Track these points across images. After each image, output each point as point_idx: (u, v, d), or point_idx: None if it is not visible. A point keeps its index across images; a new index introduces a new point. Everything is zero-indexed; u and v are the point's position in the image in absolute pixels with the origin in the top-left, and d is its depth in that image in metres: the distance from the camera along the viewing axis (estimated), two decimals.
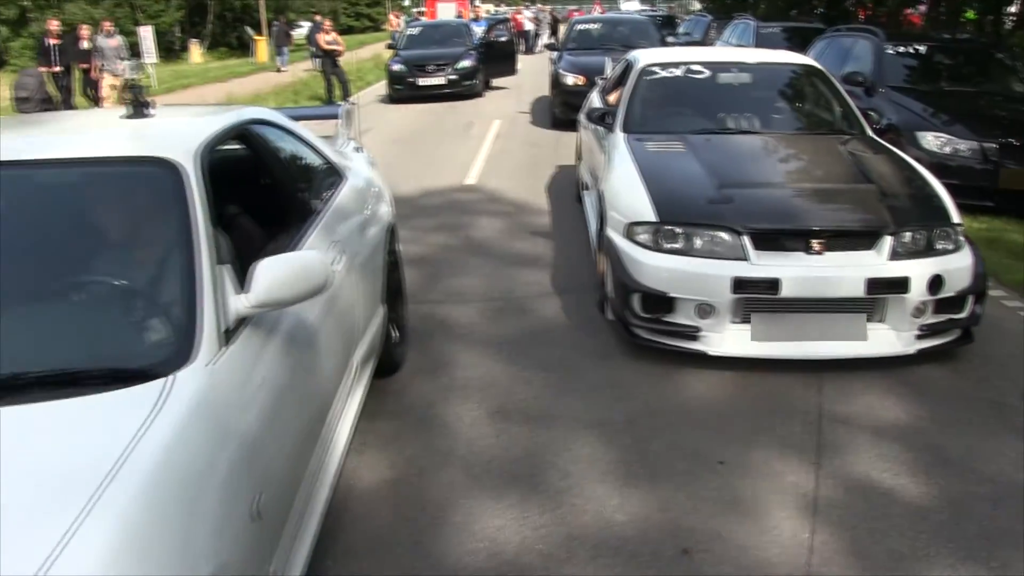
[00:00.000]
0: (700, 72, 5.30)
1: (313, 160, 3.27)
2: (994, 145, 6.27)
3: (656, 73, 5.35)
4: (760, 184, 4.12)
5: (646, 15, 17.98)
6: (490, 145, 9.97)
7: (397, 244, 4.07)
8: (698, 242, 3.75)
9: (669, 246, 3.78)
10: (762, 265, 3.63)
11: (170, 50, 31.00)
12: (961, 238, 3.87)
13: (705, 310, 3.70)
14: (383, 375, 3.60)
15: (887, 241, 3.68)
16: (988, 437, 3.20)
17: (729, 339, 3.72)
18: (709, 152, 4.48)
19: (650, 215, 3.86)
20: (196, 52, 31.48)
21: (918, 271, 3.65)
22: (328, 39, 15.13)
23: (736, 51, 7.39)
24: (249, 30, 29.21)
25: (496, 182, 7.84)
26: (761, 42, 11.66)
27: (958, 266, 3.76)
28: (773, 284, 3.58)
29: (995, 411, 3.41)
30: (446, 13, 42.83)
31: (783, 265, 3.63)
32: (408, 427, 3.33)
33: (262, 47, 26.97)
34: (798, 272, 3.61)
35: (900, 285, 3.62)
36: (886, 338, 3.74)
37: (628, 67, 5.77)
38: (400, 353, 3.83)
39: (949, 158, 6.37)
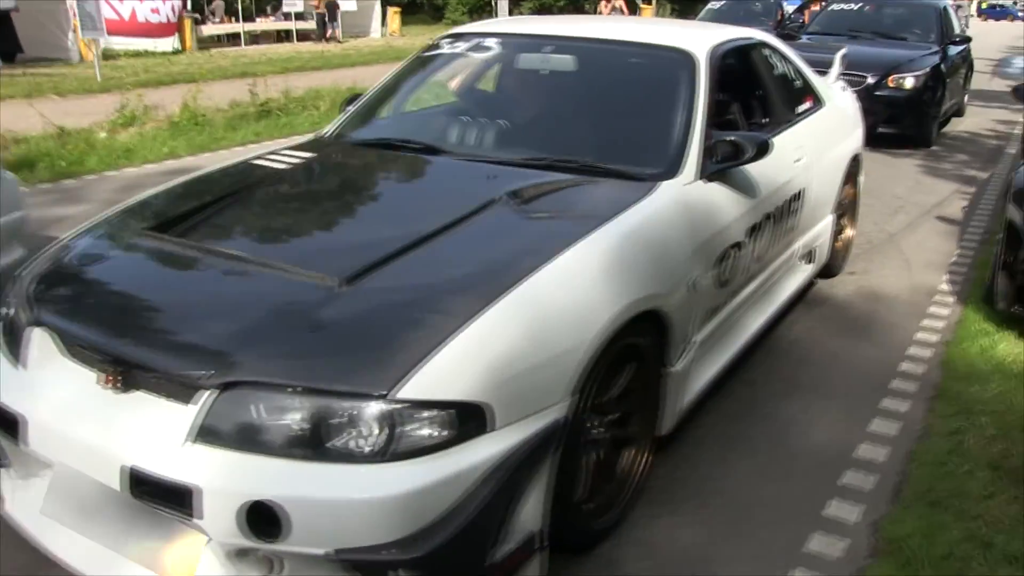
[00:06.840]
0: (492, 49, 3.23)
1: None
2: None
3: (439, 49, 3.38)
4: (208, 244, 2.28)
5: None
6: None
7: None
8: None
9: None
10: (16, 387, 1.98)
11: None
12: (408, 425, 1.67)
13: None
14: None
15: (205, 400, 1.74)
16: None
17: (22, 495, 2.13)
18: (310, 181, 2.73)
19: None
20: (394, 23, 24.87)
21: (221, 480, 1.67)
22: None
23: (597, 22, 4.44)
24: None
25: None
26: None
27: (348, 497, 1.63)
28: (11, 425, 1.93)
29: None
30: None
31: (51, 395, 1.93)
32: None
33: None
34: (49, 416, 1.90)
35: (178, 498, 1.69)
36: None
37: None
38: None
39: None
